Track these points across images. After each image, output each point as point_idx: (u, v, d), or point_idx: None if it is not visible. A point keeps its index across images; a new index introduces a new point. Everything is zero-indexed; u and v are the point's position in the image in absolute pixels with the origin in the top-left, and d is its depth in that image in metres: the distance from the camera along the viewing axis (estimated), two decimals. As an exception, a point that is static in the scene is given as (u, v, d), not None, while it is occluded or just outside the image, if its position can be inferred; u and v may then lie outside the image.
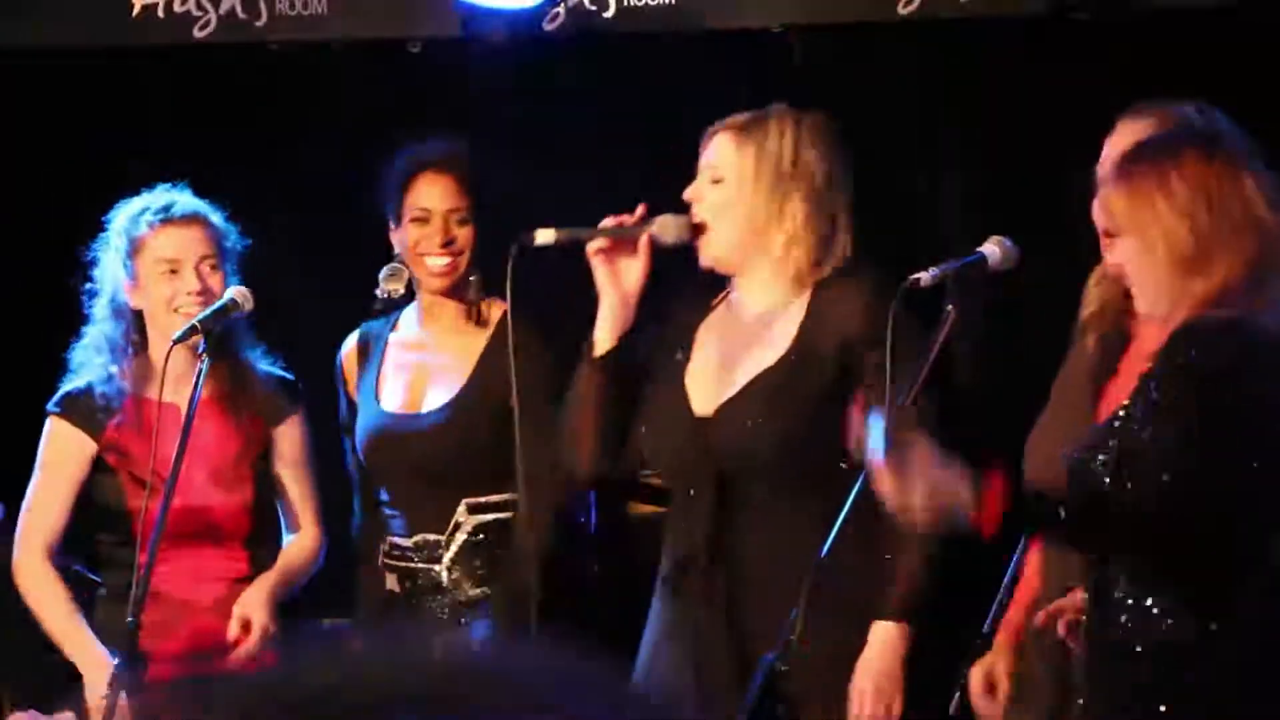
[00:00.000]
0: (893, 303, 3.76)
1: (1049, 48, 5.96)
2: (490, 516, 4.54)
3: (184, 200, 4.67)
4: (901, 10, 5.92)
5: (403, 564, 4.59)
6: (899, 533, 3.84)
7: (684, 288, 4.22)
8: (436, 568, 4.56)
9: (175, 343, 4.38)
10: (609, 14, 5.99)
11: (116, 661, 3.93)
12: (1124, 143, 3.88)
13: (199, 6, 6.01)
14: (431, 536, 4.56)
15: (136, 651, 3.90)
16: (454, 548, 4.55)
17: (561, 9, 5.99)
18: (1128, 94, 5.75)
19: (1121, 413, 3.44)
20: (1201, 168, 3.49)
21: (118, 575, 4.60)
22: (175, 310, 4.59)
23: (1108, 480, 3.39)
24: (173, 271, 4.60)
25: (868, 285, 4.04)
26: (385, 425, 4.63)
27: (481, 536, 4.54)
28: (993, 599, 4.12)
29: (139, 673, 3.91)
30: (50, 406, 4.66)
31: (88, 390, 4.62)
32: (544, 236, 4.17)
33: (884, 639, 3.95)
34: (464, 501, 4.53)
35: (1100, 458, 3.41)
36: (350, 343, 4.81)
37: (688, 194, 4.11)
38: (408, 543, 4.58)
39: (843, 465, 3.88)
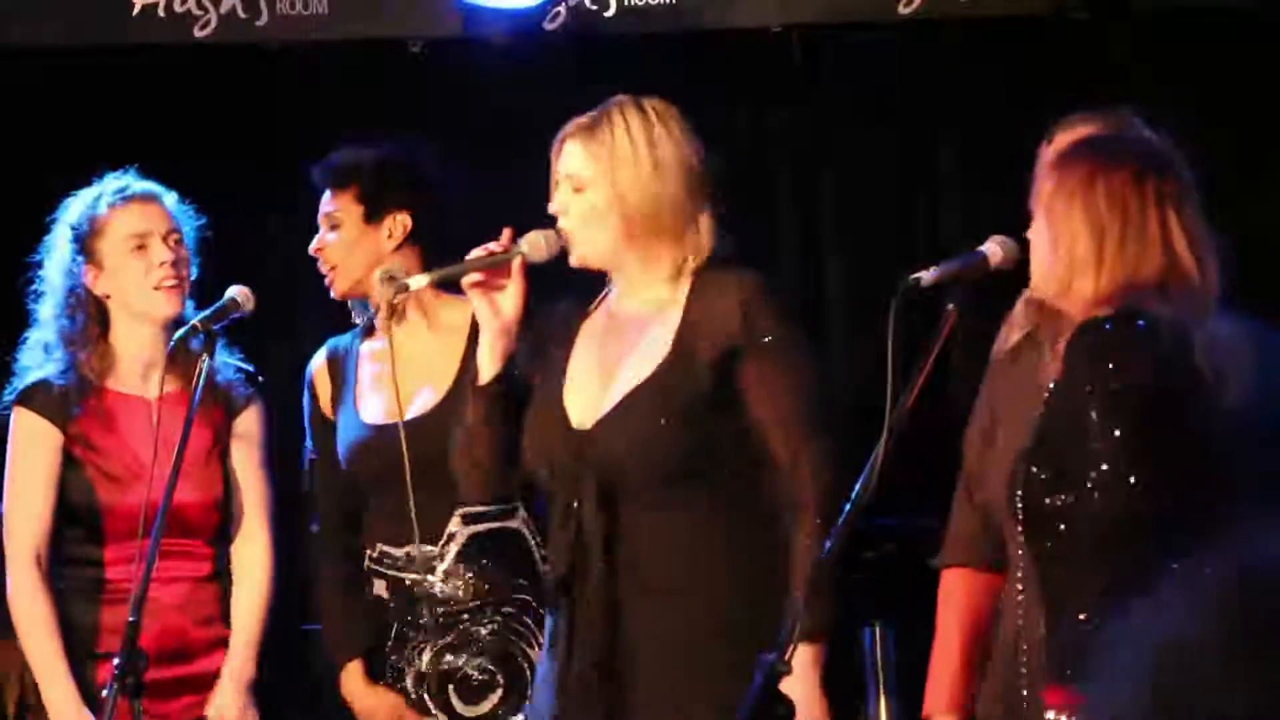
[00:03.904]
0: (894, 300, 3.71)
1: (1049, 48, 5.96)
2: (484, 526, 4.52)
3: (138, 182, 4.66)
4: (901, 10, 5.93)
5: (392, 573, 4.57)
6: (813, 545, 3.83)
7: (559, 291, 4.18)
8: (430, 578, 4.53)
9: (174, 343, 4.34)
10: (609, 14, 5.99)
11: (117, 660, 3.92)
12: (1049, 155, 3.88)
13: (199, 6, 6.01)
14: (425, 548, 4.52)
15: (136, 649, 3.88)
16: (448, 559, 4.53)
17: (562, 9, 5.99)
18: (1127, 93, 5.77)
19: (1040, 421, 3.46)
20: (1129, 187, 3.48)
21: (80, 570, 4.56)
22: (155, 289, 4.56)
23: (1046, 485, 3.40)
24: (140, 247, 4.57)
25: (743, 281, 3.96)
26: (368, 436, 4.60)
27: (475, 547, 4.52)
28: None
29: (139, 671, 3.89)
30: (9, 399, 4.59)
31: (46, 382, 4.56)
32: (417, 281, 4.14)
33: (800, 661, 3.88)
34: (458, 512, 4.50)
35: (1033, 469, 3.43)
36: (319, 359, 4.78)
37: (552, 207, 4.03)
38: (399, 552, 4.56)
39: (723, 475, 3.90)
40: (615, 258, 4.01)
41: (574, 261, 4.03)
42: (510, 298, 4.03)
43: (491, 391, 4.05)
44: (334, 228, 4.65)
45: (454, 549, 4.52)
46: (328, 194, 4.69)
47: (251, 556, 4.66)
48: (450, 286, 4.59)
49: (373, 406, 4.63)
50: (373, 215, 4.65)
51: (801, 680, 3.81)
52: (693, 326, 3.95)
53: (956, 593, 3.92)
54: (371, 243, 4.64)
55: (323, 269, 4.68)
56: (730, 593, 3.90)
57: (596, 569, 3.91)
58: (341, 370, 4.71)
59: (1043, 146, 4.00)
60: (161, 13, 6.01)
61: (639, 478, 3.92)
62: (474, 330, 4.49)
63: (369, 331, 4.71)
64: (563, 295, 4.19)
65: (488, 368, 4.05)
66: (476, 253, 4.04)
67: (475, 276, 4.03)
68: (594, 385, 4.01)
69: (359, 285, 4.64)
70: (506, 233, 4.05)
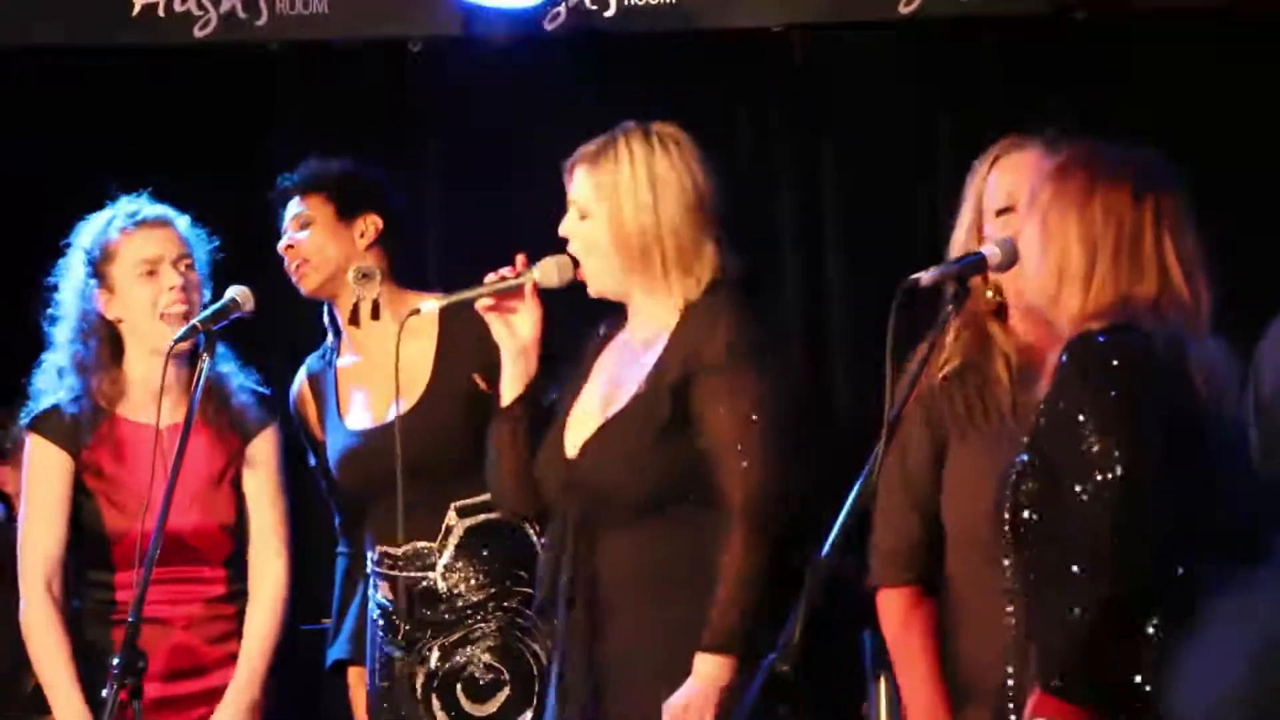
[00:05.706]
0: (894, 300, 3.70)
1: (1049, 48, 5.96)
2: (481, 518, 4.53)
3: (150, 206, 4.66)
4: (902, 10, 5.93)
5: (395, 573, 4.57)
6: (734, 562, 3.87)
7: (586, 320, 4.20)
8: (431, 575, 4.54)
9: (175, 343, 4.34)
10: (609, 14, 5.99)
11: (116, 660, 3.92)
12: (1005, 178, 3.84)
13: (199, 6, 6.01)
14: (422, 544, 4.54)
15: (135, 650, 3.89)
16: (447, 554, 4.54)
17: (562, 9, 5.99)
18: (1126, 94, 5.77)
19: (1032, 434, 3.43)
20: (1126, 203, 3.47)
21: (94, 593, 4.56)
22: (161, 316, 4.55)
23: (1040, 497, 3.38)
24: (151, 272, 4.57)
25: (718, 308, 3.98)
26: (355, 444, 4.61)
27: (474, 540, 4.53)
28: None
29: (139, 672, 3.89)
30: (24, 423, 4.61)
31: (59, 408, 4.57)
32: (429, 306, 4.14)
33: (702, 670, 3.89)
34: (452, 505, 4.51)
35: (1026, 483, 3.41)
36: (300, 381, 4.80)
37: (562, 230, 4.07)
38: (398, 551, 4.56)
39: (689, 497, 3.92)
40: (621, 286, 4.04)
41: (593, 293, 4.07)
42: (525, 321, 4.08)
43: (514, 414, 4.10)
44: (305, 226, 4.65)
45: (452, 543, 4.53)
46: (295, 199, 4.68)
47: (265, 581, 4.64)
48: (409, 283, 4.63)
49: (358, 414, 4.64)
50: (345, 214, 4.65)
51: (699, 687, 3.85)
52: (671, 354, 3.98)
53: (912, 613, 3.88)
54: (345, 240, 4.64)
55: (290, 267, 4.66)
56: (702, 613, 3.90)
57: (576, 592, 3.96)
58: (321, 389, 4.72)
59: (981, 163, 3.93)
60: (161, 13, 6.01)
61: (616, 504, 3.96)
62: (443, 324, 4.50)
63: (340, 348, 4.73)
64: (594, 319, 4.21)
65: (509, 390, 4.11)
66: (490, 277, 4.08)
67: (488, 300, 4.06)
68: (589, 415, 4.04)
69: (329, 284, 4.64)
70: (520, 258, 4.08)
